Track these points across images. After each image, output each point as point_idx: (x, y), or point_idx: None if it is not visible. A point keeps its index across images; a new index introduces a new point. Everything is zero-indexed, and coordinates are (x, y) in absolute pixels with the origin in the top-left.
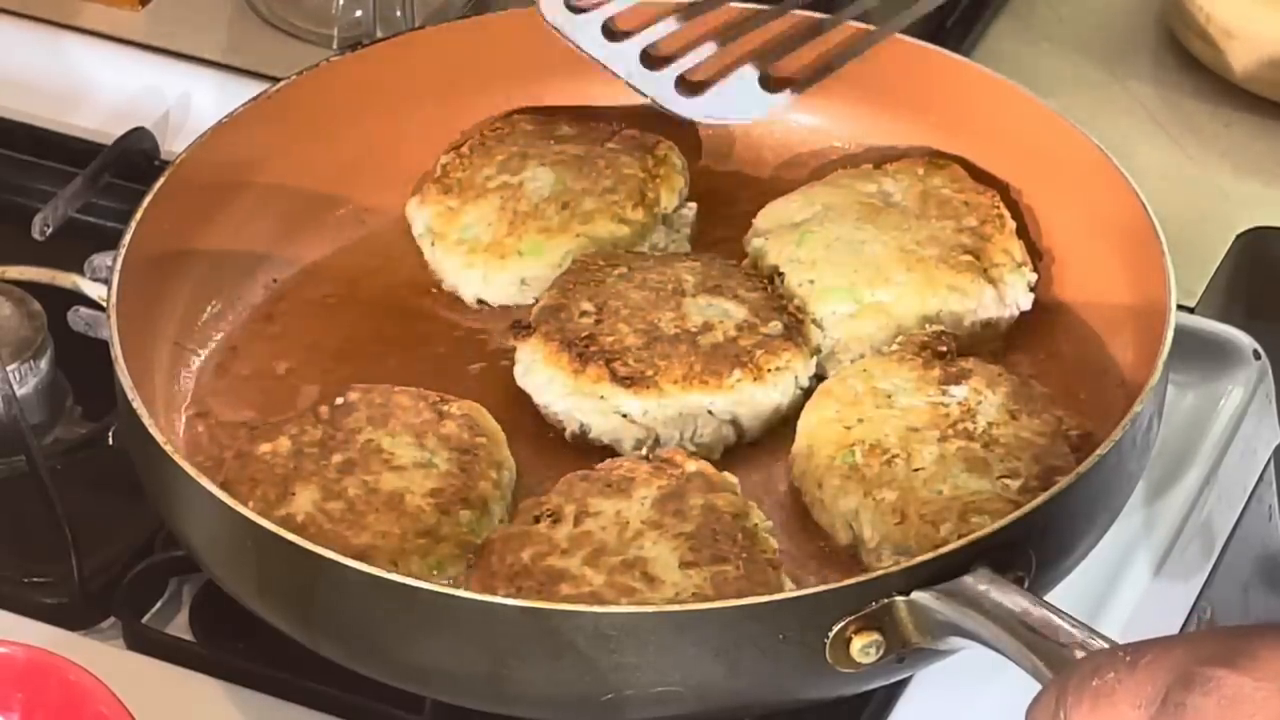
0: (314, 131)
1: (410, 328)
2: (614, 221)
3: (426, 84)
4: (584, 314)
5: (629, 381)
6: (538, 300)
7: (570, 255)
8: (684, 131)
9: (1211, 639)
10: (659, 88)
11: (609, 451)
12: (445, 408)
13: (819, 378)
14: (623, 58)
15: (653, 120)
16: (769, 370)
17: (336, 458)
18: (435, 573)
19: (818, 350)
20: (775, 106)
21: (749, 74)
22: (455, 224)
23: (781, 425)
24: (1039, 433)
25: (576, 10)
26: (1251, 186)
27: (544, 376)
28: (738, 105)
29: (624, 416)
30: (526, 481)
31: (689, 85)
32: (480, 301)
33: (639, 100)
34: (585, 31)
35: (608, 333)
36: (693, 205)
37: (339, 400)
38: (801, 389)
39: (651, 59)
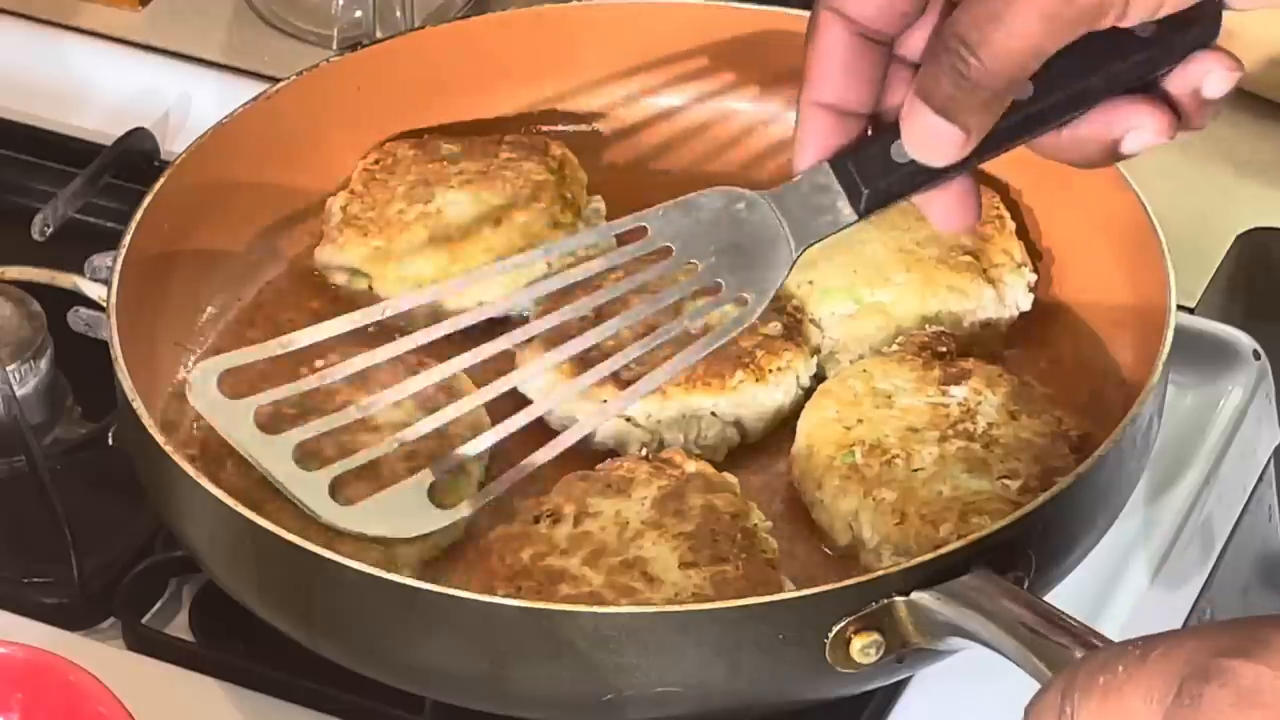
0: (314, 132)
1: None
2: (550, 227)
3: (427, 84)
4: (583, 319)
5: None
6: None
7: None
8: (575, 131)
9: (1225, 631)
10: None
11: (611, 455)
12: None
13: (819, 378)
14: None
15: (532, 122)
16: (771, 370)
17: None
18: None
19: (817, 350)
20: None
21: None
22: (390, 262)
23: (782, 426)
24: (1039, 433)
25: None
26: (1251, 186)
27: (545, 381)
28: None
29: (627, 420)
30: (528, 486)
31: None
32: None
33: (520, 107)
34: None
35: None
36: (599, 198)
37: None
38: (803, 389)
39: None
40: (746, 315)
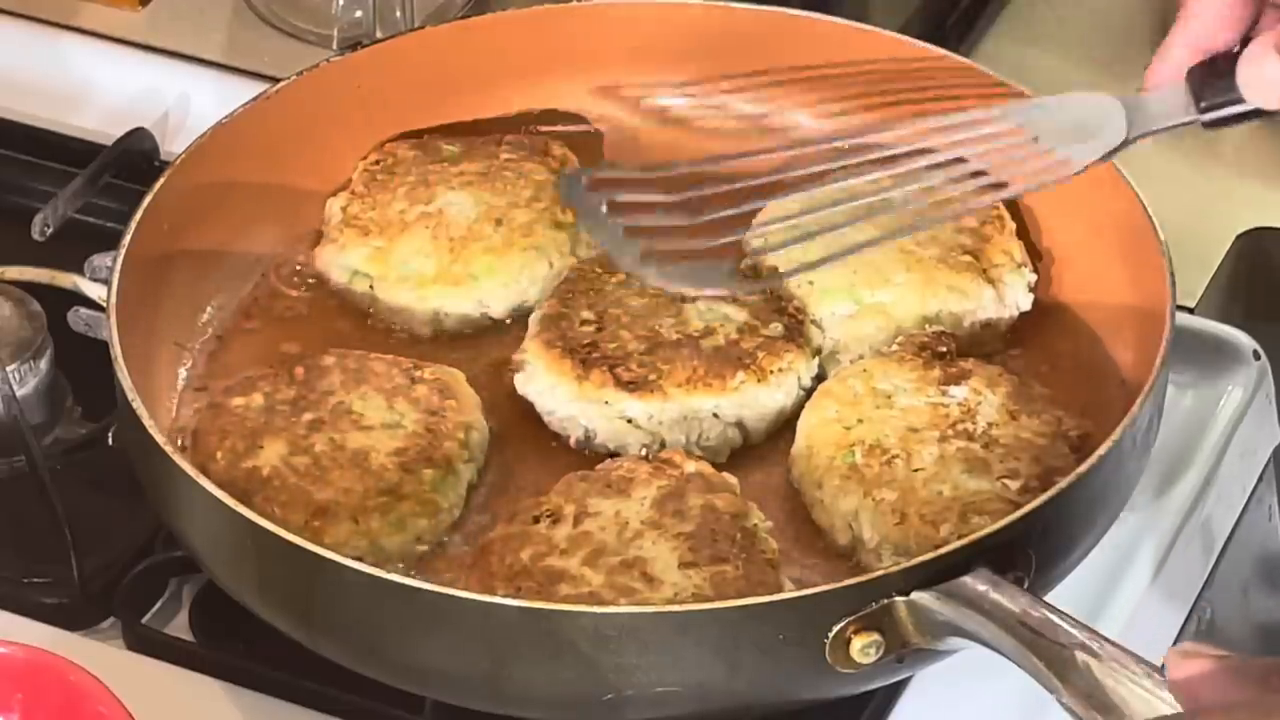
0: (314, 132)
1: (410, 332)
2: (551, 227)
3: (427, 84)
4: (585, 322)
5: (633, 386)
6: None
7: (525, 268)
8: (575, 131)
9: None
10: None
11: (611, 456)
12: (418, 373)
13: (820, 378)
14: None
15: (532, 121)
16: (772, 371)
17: (307, 416)
18: (395, 530)
19: (818, 350)
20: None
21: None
22: (391, 262)
23: (784, 426)
24: (1039, 433)
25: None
26: (1251, 186)
27: (547, 383)
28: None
29: (629, 421)
30: (529, 488)
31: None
32: (436, 331)
33: (520, 107)
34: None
35: (610, 339)
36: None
37: (314, 361)
38: (804, 389)
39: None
40: (1066, 170)
